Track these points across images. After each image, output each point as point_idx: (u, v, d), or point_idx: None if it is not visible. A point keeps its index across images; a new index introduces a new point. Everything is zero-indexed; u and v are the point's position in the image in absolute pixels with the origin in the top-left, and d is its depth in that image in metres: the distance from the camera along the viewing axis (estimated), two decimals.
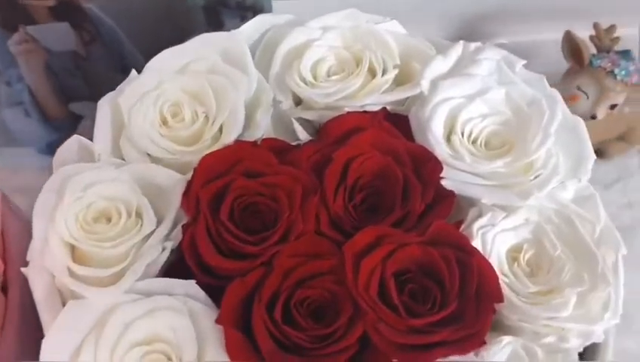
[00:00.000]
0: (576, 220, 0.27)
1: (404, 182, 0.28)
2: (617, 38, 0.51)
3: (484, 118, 0.29)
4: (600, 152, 0.59)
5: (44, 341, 0.25)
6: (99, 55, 0.47)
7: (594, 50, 0.52)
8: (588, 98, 0.52)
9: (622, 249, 0.26)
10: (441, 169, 0.28)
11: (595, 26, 0.51)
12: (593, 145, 0.60)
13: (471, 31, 0.57)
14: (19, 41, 0.47)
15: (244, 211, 0.28)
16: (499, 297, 0.26)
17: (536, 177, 0.28)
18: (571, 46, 0.52)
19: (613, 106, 0.53)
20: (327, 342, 0.25)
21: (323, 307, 0.26)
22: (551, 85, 0.57)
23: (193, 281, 0.26)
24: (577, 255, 0.26)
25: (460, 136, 0.29)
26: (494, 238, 0.27)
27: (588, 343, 0.26)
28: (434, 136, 0.29)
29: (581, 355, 0.27)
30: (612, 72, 0.51)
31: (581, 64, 0.52)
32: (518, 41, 0.60)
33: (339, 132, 0.30)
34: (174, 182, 0.28)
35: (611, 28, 0.51)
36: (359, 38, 0.32)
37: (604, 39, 0.51)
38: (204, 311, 0.25)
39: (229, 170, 0.28)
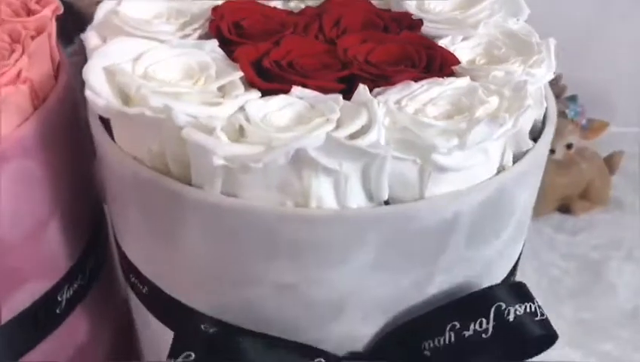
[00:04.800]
0: (514, 29, 0.34)
1: (384, 26, 0.37)
2: (565, 86, 0.62)
3: None
4: (566, 209, 0.66)
5: (110, 45, 0.30)
6: None
7: None
8: None
9: (553, 40, 0.33)
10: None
11: None
12: (558, 201, 0.67)
13: None
14: (76, 52, 0.57)
15: None
16: (457, 61, 0.32)
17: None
18: None
19: (569, 146, 0.61)
20: None
21: None
22: None
23: None
24: (518, 48, 0.33)
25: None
26: (454, 52, 0.34)
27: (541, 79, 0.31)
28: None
29: None
30: (564, 112, 0.61)
31: None
32: None
33: None
34: None
35: (558, 77, 0.62)
36: None
37: (554, 88, 0.62)
38: None
39: None
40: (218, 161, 0.25)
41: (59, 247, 0.35)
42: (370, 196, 0.27)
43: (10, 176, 0.30)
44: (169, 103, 0.26)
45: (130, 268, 0.34)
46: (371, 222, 0.27)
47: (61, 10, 0.35)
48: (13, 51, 0.31)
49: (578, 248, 0.62)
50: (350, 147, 0.25)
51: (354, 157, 0.26)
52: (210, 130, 0.26)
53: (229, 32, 0.34)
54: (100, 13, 0.34)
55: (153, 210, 0.29)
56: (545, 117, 0.33)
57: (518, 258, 0.35)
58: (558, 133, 0.61)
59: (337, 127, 0.26)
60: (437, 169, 0.27)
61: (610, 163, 0.67)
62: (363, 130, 0.26)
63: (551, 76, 0.32)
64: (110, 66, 0.29)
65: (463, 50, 0.34)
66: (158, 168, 0.28)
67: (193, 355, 0.27)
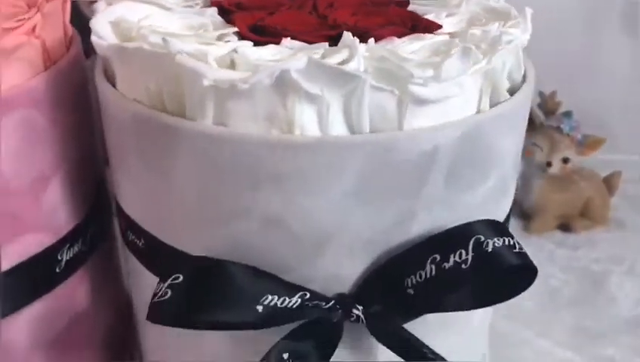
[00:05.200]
0: (495, 5, 0.37)
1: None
2: (560, 102, 0.64)
3: None
4: (567, 228, 0.66)
5: (117, 6, 0.33)
6: None
7: (542, 116, 0.64)
8: (542, 151, 0.63)
9: (530, 9, 0.35)
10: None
11: (541, 94, 0.64)
12: (558, 218, 0.67)
13: None
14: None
15: None
16: (440, 27, 0.34)
17: None
18: None
19: (565, 160, 0.63)
20: None
21: None
22: None
23: None
24: (497, 18, 0.35)
25: None
26: None
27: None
28: None
29: None
30: (559, 127, 0.62)
31: (533, 127, 0.64)
32: None
33: None
34: None
35: (553, 94, 0.64)
36: None
37: (549, 104, 0.64)
38: None
39: None
40: (207, 82, 0.27)
41: (61, 205, 0.36)
42: (352, 129, 0.29)
43: (16, 122, 0.32)
44: (166, 37, 0.28)
45: (128, 225, 0.36)
46: (351, 148, 0.28)
47: None
48: (28, 11, 0.33)
49: (579, 262, 0.62)
50: (330, 69, 0.27)
51: (335, 82, 0.28)
52: (202, 60, 0.28)
53: (229, 4, 0.36)
54: None
55: (150, 147, 0.31)
56: (524, 79, 0.35)
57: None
58: (555, 147, 0.62)
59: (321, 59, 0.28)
60: (414, 100, 0.29)
61: (610, 183, 0.68)
62: (344, 62, 0.28)
63: (527, 38, 0.34)
64: (115, 19, 0.32)
65: (447, 25, 0.37)
66: (155, 107, 0.30)
67: (181, 277, 0.28)
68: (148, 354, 0.42)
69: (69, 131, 0.36)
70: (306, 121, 0.28)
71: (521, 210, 0.67)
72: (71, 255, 0.38)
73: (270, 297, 0.29)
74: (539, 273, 0.60)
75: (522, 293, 0.57)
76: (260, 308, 0.29)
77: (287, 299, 0.29)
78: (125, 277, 0.45)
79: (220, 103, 0.28)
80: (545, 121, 0.63)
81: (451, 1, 0.38)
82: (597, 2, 0.69)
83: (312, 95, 0.28)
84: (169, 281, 0.28)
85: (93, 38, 0.31)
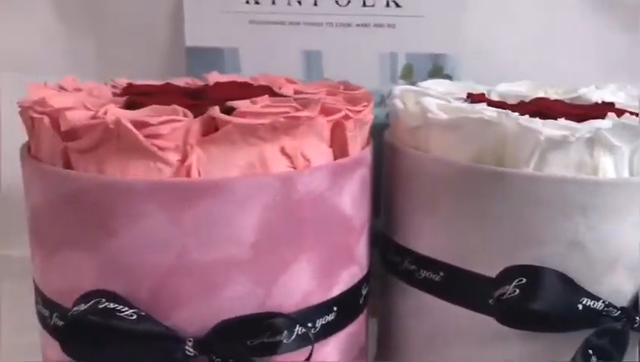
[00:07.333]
0: None
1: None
2: None
3: None
4: None
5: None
6: None
7: None
8: None
9: None
10: None
11: None
12: None
13: None
14: None
15: None
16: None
17: None
18: None
19: None
20: None
21: None
22: None
23: None
24: None
25: None
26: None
27: None
28: None
29: None
30: None
31: None
32: None
33: None
34: None
35: None
36: None
37: None
38: None
39: None
40: (542, 137, 0.38)
41: (365, 248, 0.46)
42: (632, 173, 0.40)
43: (359, 176, 0.43)
44: (500, 111, 0.40)
45: (423, 264, 0.45)
46: (637, 187, 0.39)
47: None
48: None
49: None
50: (631, 127, 0.38)
51: (630, 137, 0.39)
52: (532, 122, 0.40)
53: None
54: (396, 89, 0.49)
55: (469, 192, 0.41)
56: None
57: None
58: None
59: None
60: None
61: None
62: None
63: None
64: (437, 104, 0.44)
65: None
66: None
67: (524, 279, 0.38)
68: None
69: (373, 189, 0.47)
70: (607, 168, 0.39)
71: None
72: (365, 291, 0.47)
73: (586, 299, 0.38)
74: None
75: None
76: (580, 306, 0.38)
77: (595, 302, 0.38)
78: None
79: (543, 154, 0.39)
80: None
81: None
82: None
83: (614, 147, 0.39)
84: (514, 283, 0.38)
85: (429, 115, 0.43)
